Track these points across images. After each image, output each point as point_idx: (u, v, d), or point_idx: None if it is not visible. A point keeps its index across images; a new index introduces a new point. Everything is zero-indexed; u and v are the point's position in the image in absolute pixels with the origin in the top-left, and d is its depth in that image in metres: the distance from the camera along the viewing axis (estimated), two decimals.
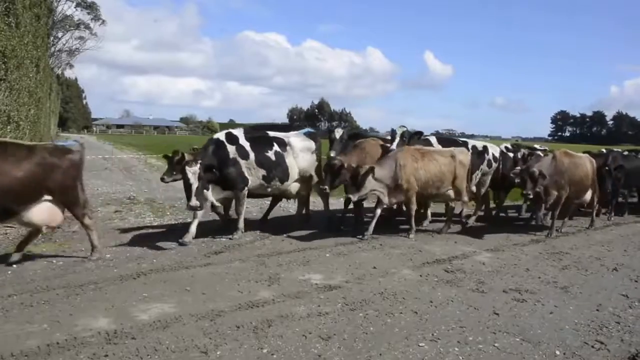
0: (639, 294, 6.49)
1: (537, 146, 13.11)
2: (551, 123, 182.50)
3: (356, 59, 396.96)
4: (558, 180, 9.86)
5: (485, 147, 11.14)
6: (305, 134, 9.88)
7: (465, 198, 9.99)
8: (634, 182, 12.93)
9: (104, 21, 51.50)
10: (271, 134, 9.43)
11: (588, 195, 10.79)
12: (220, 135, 8.82)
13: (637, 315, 5.69)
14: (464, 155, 9.83)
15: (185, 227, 8.45)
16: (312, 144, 9.63)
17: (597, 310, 5.82)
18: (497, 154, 11.20)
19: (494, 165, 11.04)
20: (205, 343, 4.59)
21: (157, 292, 5.89)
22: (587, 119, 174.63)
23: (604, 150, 13.39)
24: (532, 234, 10.07)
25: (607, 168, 11.29)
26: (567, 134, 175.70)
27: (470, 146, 10.82)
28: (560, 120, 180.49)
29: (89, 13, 50.43)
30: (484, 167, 10.87)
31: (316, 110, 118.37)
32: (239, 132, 8.92)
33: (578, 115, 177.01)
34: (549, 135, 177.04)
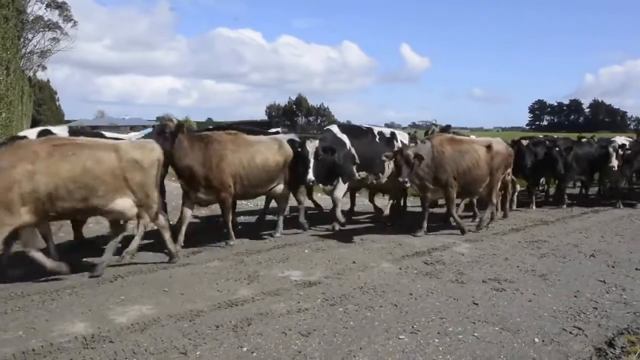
0: (615, 279, 6.58)
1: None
2: (529, 113, 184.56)
3: (332, 53, 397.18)
4: (438, 173, 8.59)
5: (393, 134, 10.43)
6: (146, 135, 8.36)
7: (152, 215, 6.76)
8: (585, 167, 12.93)
9: (75, 22, 50.52)
10: (108, 134, 7.93)
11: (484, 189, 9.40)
12: (29, 133, 6.77)
13: (613, 300, 5.78)
14: (136, 151, 6.50)
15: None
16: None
17: (575, 296, 5.89)
18: (405, 141, 10.37)
19: None
20: (185, 344, 4.55)
21: (134, 294, 5.82)
22: (565, 108, 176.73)
23: (540, 137, 13.60)
24: (512, 223, 10.16)
25: (557, 149, 11.41)
26: (545, 122, 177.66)
27: (376, 132, 10.13)
28: (538, 109, 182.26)
29: (59, 14, 49.42)
30: None
31: (294, 106, 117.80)
32: (62, 131, 7.17)
33: (555, 104, 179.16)
34: (527, 125, 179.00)
